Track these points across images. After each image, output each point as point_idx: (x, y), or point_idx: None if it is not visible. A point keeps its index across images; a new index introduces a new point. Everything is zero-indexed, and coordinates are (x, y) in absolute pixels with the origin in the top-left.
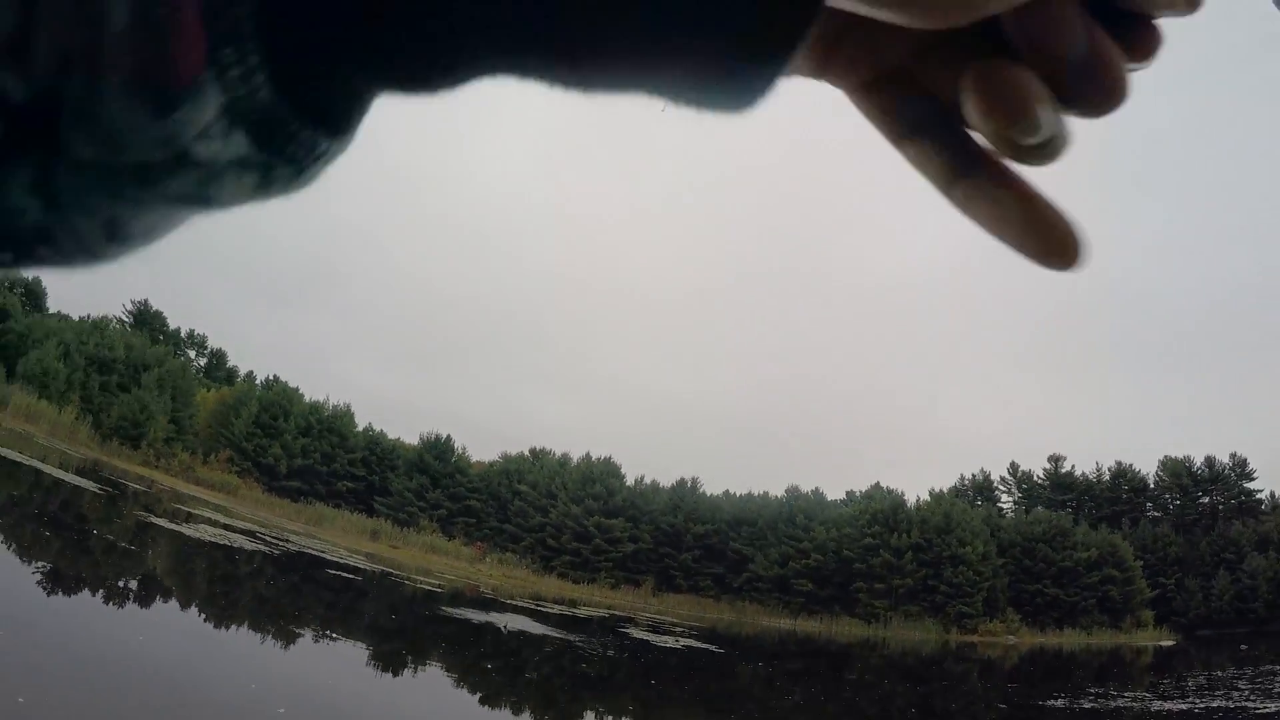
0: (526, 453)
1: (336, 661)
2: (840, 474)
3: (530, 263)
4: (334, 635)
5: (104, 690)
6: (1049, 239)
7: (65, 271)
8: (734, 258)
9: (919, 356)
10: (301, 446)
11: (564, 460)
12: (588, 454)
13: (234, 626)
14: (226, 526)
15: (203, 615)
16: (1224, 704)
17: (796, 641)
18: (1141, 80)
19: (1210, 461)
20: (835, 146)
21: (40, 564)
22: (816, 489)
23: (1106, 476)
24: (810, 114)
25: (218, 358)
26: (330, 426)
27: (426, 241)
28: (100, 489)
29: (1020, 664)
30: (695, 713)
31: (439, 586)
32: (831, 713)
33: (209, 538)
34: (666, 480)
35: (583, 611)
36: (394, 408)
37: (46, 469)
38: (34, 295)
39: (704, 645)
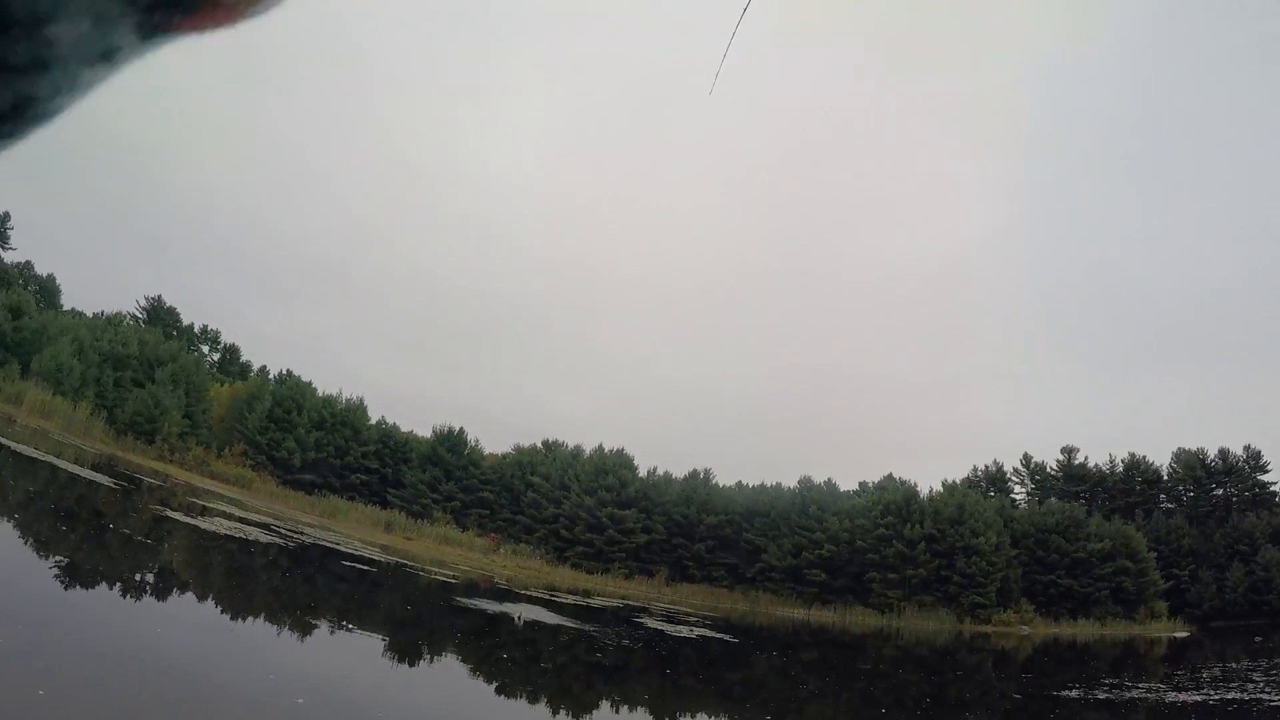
0: (539, 444)
1: (353, 652)
2: (853, 465)
3: (541, 254)
4: (350, 626)
5: (122, 683)
6: None
7: None
8: (746, 247)
9: (932, 347)
10: (315, 440)
11: (577, 452)
12: (600, 445)
13: (251, 618)
14: (242, 519)
15: (219, 607)
16: (1239, 696)
17: (810, 631)
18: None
19: (1224, 453)
20: (848, 134)
21: (58, 558)
22: (829, 480)
23: (1120, 468)
24: (823, 98)
25: (231, 353)
26: (344, 420)
27: (437, 235)
28: (116, 484)
29: (1034, 654)
30: (710, 702)
31: (453, 577)
32: (846, 702)
33: (224, 531)
34: (679, 471)
35: (597, 601)
36: (407, 400)
37: (62, 464)
38: (48, 292)
39: (718, 635)
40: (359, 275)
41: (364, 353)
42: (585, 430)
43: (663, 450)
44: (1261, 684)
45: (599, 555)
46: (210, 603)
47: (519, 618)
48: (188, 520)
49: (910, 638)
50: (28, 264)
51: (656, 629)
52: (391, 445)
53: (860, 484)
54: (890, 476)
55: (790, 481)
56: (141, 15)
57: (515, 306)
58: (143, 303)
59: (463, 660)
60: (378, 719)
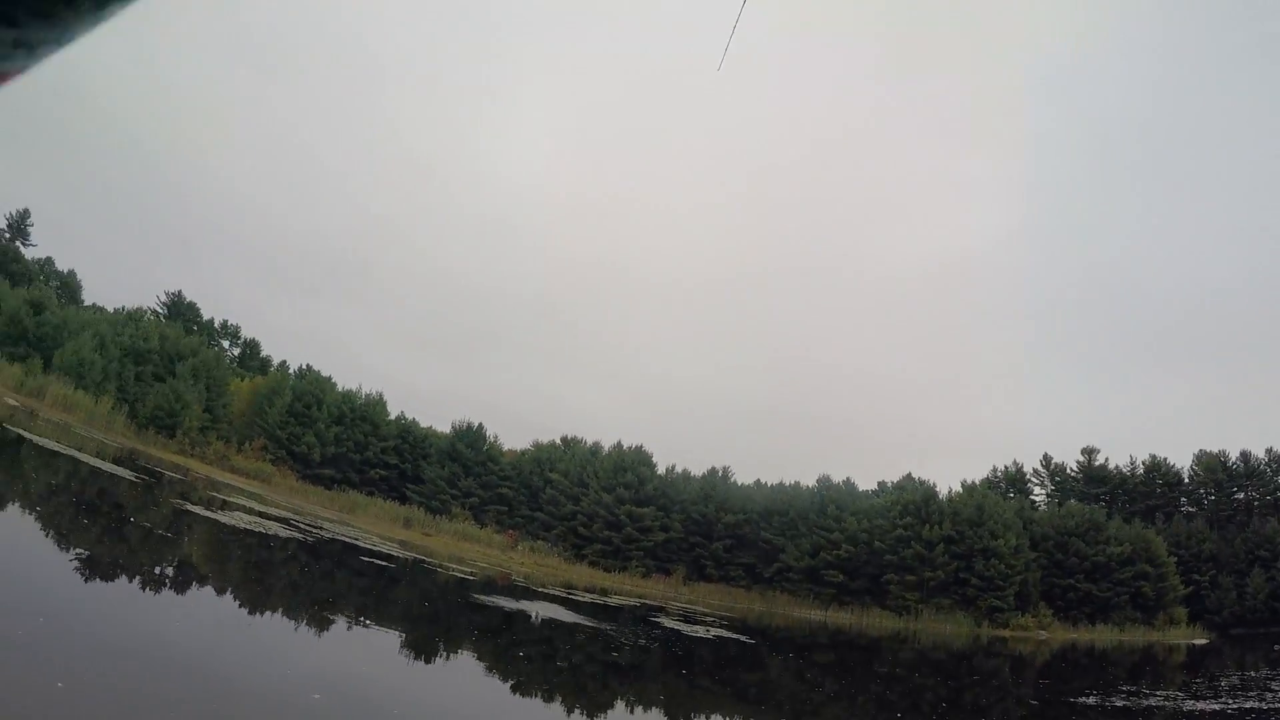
0: (558, 441)
1: (370, 649)
2: (872, 464)
3: (561, 251)
4: (367, 622)
5: (140, 677)
6: None
7: None
8: (766, 246)
9: (952, 346)
10: (335, 435)
11: (595, 449)
12: (619, 442)
13: (268, 613)
14: (261, 514)
15: (238, 602)
16: (1257, 705)
17: (827, 633)
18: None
19: (1246, 456)
20: (864, 135)
21: (78, 551)
22: (848, 479)
23: (1140, 470)
24: (841, 100)
25: (251, 347)
26: (363, 415)
27: (455, 232)
28: (136, 477)
29: (1051, 660)
30: (726, 704)
31: (471, 574)
32: (861, 706)
33: (244, 525)
34: (698, 469)
35: (614, 600)
36: (426, 396)
37: (84, 458)
38: (69, 288)
39: (734, 635)
40: (379, 272)
41: (384, 348)
42: (604, 427)
43: (681, 448)
44: None
45: (616, 553)
46: (229, 597)
47: (535, 616)
48: (208, 514)
49: (927, 641)
50: (49, 260)
51: (673, 629)
52: (411, 441)
53: (879, 484)
54: (909, 476)
55: (809, 480)
56: None
57: (535, 304)
58: (163, 298)
59: (479, 658)
60: (393, 716)
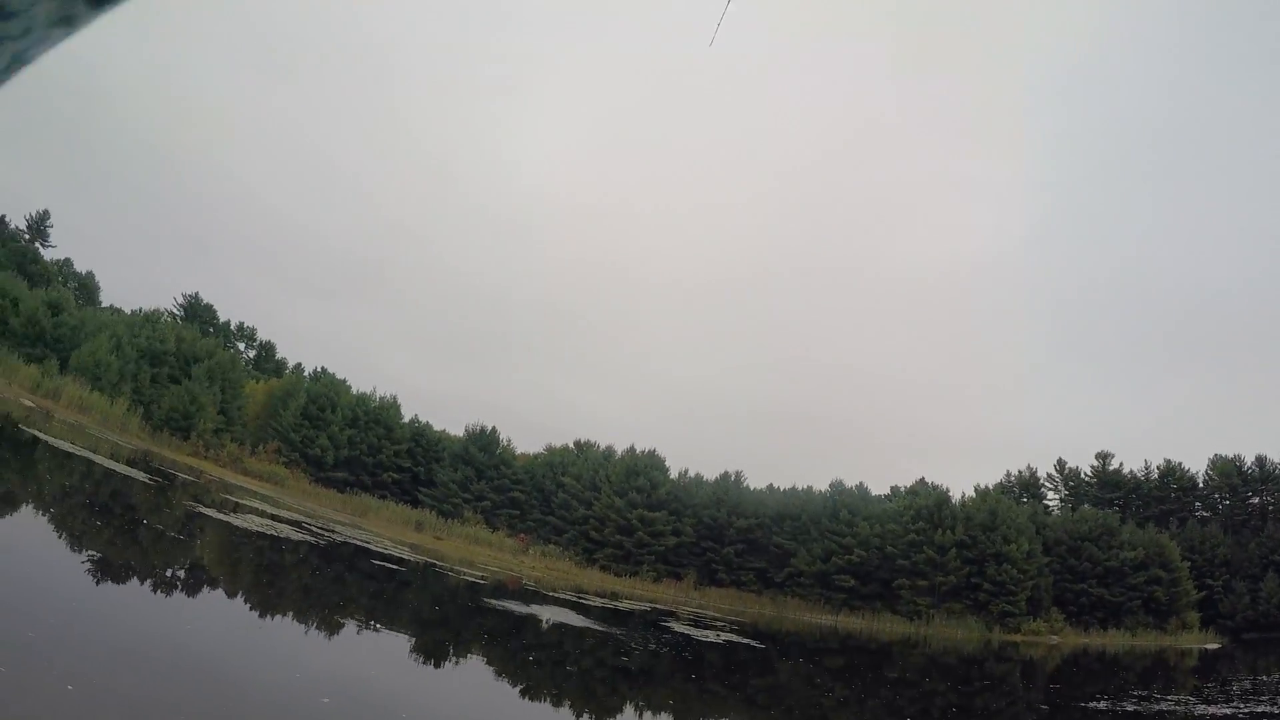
0: (571, 445)
1: (380, 652)
2: (884, 469)
3: (574, 254)
4: (378, 625)
5: (150, 679)
6: None
7: None
8: (779, 250)
9: (966, 351)
10: (348, 438)
11: (608, 453)
12: (632, 446)
13: (279, 616)
14: (273, 517)
15: (249, 604)
16: (1269, 710)
17: (838, 638)
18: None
19: (1261, 461)
20: (877, 135)
21: (91, 553)
22: (860, 484)
23: (1155, 475)
24: (850, 102)
25: (267, 350)
26: (377, 418)
27: (470, 235)
28: (150, 479)
29: (1063, 665)
30: (736, 709)
31: (482, 578)
32: (871, 711)
33: (256, 527)
34: (710, 473)
35: (624, 605)
36: (440, 399)
37: (99, 459)
38: (87, 289)
39: (745, 640)
40: (394, 275)
41: (398, 351)
42: (617, 431)
43: (694, 452)
44: None
45: (628, 557)
46: (240, 600)
47: (546, 620)
48: (220, 517)
49: (938, 646)
50: (68, 261)
51: (683, 633)
52: (424, 444)
53: (892, 488)
54: (922, 481)
55: (821, 485)
56: None
57: (549, 307)
58: (180, 300)
59: (488, 662)
60: None
